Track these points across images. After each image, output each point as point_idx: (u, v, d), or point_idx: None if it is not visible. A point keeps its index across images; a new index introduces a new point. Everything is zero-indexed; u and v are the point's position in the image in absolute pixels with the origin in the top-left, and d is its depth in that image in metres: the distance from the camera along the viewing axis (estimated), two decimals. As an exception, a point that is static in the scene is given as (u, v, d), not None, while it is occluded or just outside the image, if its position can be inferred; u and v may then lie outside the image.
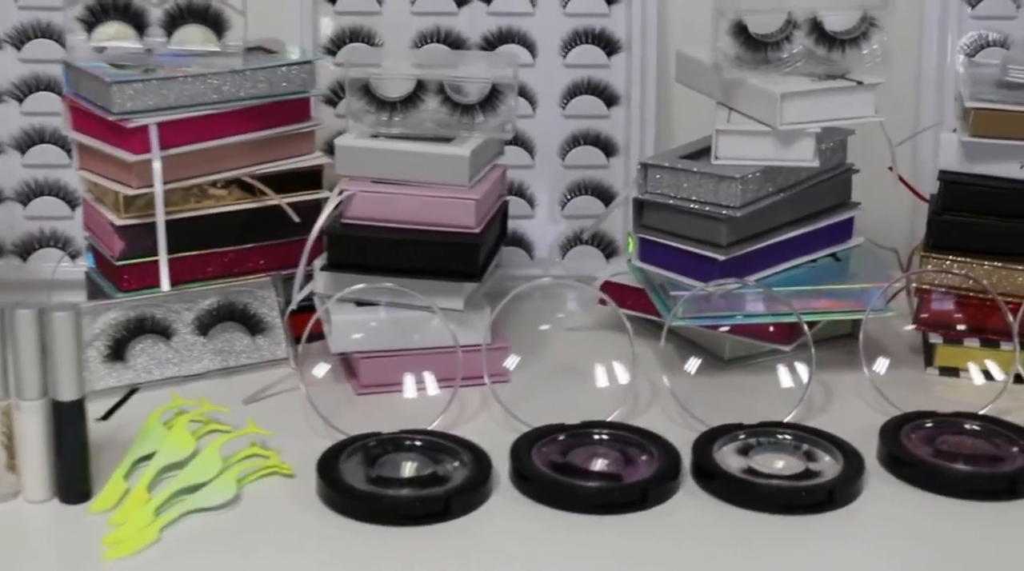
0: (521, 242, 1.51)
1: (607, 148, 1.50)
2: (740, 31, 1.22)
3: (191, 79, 1.23)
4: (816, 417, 1.21)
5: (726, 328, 1.26)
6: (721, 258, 1.22)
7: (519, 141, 1.49)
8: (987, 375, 1.27)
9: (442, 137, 1.23)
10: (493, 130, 1.24)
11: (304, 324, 1.19)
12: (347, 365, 1.26)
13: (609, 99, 1.50)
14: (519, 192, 1.50)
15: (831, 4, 1.21)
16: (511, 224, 1.50)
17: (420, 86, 1.23)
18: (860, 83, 1.21)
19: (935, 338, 1.30)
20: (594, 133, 1.50)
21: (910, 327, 1.30)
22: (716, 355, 1.31)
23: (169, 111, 1.22)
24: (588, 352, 1.29)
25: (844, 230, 1.33)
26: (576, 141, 1.50)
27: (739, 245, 1.23)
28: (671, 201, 1.25)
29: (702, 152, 1.26)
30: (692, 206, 1.23)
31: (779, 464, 1.11)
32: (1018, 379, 1.23)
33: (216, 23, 1.25)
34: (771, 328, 1.27)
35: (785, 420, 1.17)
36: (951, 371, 1.29)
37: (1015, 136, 1.27)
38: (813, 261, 1.30)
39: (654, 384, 1.23)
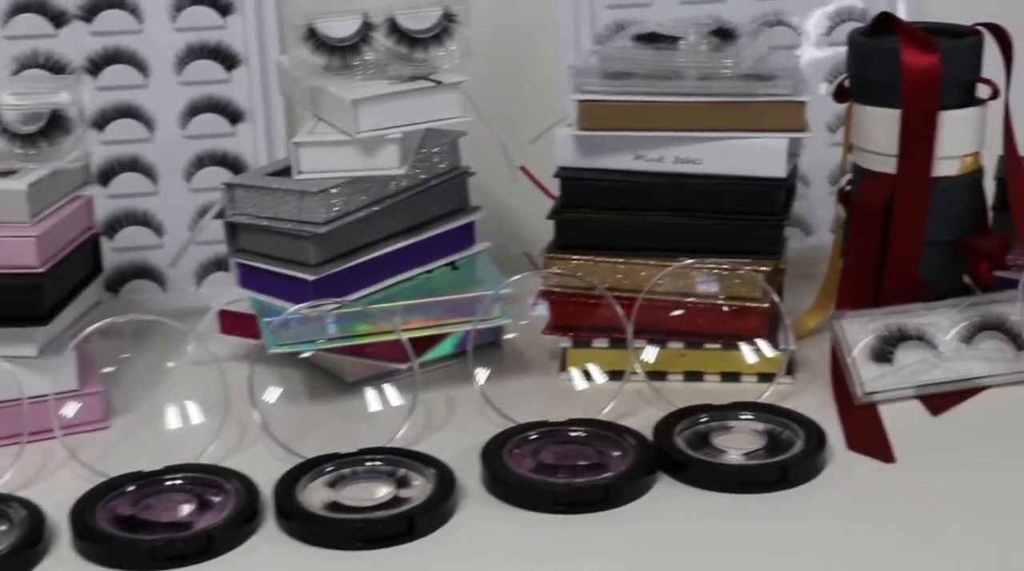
0: (151, 273, 1.42)
1: (235, 167, 1.42)
2: (312, 36, 1.15)
3: None
4: (430, 437, 1.15)
5: (308, 353, 1.19)
6: (311, 278, 1.15)
7: (138, 167, 1.40)
8: (611, 376, 1.22)
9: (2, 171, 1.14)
10: (62, 160, 1.15)
11: None
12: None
13: (233, 116, 1.41)
14: (144, 221, 1.41)
15: (405, 3, 1.15)
16: (138, 255, 1.41)
17: (-28, 118, 1.13)
18: (440, 83, 1.15)
19: (565, 342, 1.25)
20: (220, 152, 1.42)
21: (509, 334, 1.25)
22: (340, 378, 1.24)
23: None
24: (200, 388, 1.20)
25: (464, 237, 1.26)
26: (201, 162, 1.41)
27: (332, 263, 1.16)
28: (259, 221, 1.17)
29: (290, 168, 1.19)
30: (278, 225, 1.16)
31: (371, 494, 1.04)
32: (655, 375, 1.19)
33: None
34: (387, 347, 1.20)
35: (387, 444, 1.11)
36: (582, 375, 1.24)
37: (623, 127, 1.23)
38: (429, 272, 1.24)
39: (268, 417, 1.15)
